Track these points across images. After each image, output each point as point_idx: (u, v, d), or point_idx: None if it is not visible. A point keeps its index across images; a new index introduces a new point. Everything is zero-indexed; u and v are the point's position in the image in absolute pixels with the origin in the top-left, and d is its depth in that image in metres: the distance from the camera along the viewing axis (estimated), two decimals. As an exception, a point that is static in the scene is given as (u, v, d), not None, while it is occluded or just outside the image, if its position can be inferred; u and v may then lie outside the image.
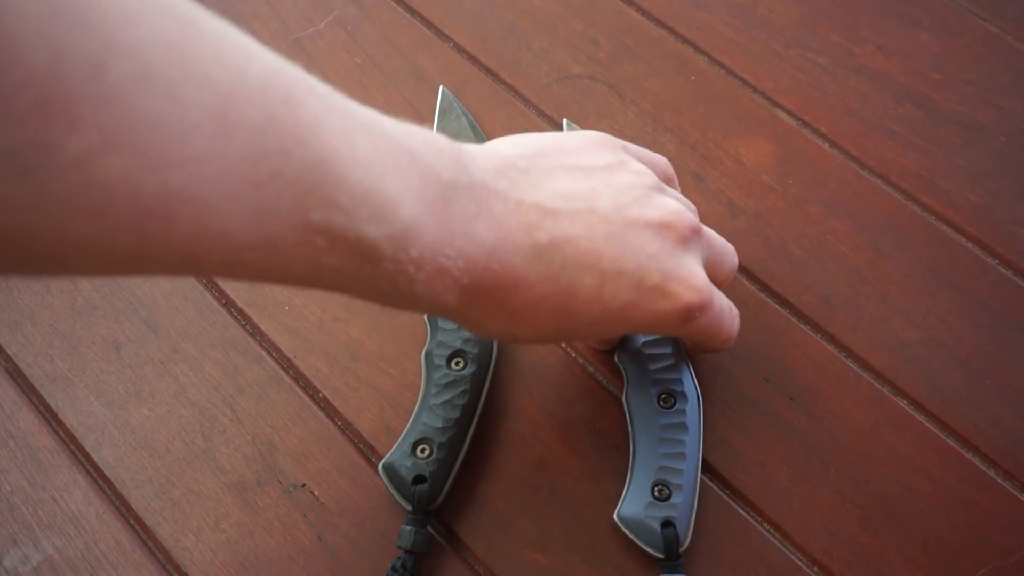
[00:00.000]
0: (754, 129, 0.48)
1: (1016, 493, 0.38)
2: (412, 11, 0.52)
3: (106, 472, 0.38)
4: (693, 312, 0.33)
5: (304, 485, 0.38)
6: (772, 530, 0.37)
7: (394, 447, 0.37)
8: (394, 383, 0.40)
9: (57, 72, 0.18)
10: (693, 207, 0.37)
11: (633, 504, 0.36)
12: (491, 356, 0.39)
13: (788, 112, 0.48)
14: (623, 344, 0.39)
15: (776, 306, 0.42)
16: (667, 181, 0.37)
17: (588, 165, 0.33)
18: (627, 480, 0.37)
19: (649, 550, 0.35)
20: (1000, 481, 0.38)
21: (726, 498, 0.38)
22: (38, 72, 0.18)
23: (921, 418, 0.39)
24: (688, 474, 0.36)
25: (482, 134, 0.47)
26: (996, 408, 0.40)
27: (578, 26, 0.51)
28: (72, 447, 0.39)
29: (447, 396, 0.37)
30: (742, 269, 0.43)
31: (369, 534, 0.37)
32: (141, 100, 0.19)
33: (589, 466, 0.38)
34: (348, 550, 0.37)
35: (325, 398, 0.40)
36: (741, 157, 0.47)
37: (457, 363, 0.38)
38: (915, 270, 0.43)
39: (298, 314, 0.42)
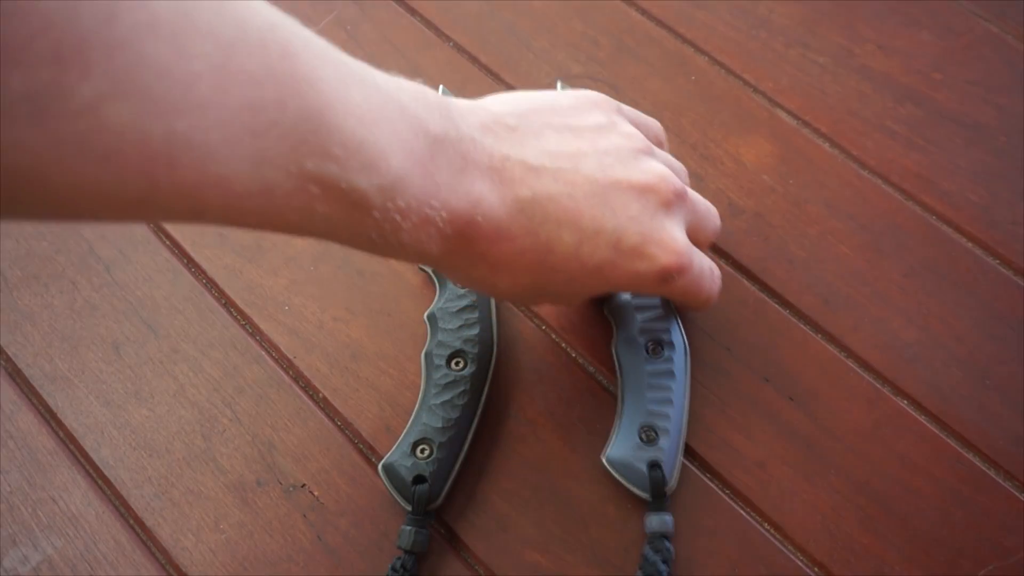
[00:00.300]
0: (754, 129, 0.48)
1: (1016, 493, 0.38)
2: (412, 11, 0.52)
3: (106, 472, 0.38)
4: (670, 274, 0.33)
5: (304, 485, 0.38)
6: (772, 530, 0.37)
7: (394, 447, 0.37)
8: (394, 383, 0.40)
9: (72, 19, 0.19)
10: (683, 169, 0.37)
11: (621, 447, 0.37)
12: (491, 356, 0.39)
13: (788, 112, 0.48)
14: (612, 295, 0.40)
15: (776, 306, 0.42)
16: (658, 144, 0.37)
17: (578, 125, 0.34)
18: (615, 424, 0.38)
19: (636, 491, 0.36)
20: (1000, 481, 0.38)
21: (726, 498, 0.38)
22: (54, 20, 0.18)
23: (921, 418, 0.39)
24: (675, 419, 0.38)
25: None
26: (996, 408, 0.40)
27: (578, 26, 0.51)
28: (72, 447, 0.39)
29: (447, 396, 0.37)
30: (742, 269, 0.43)
31: (369, 534, 0.37)
32: (149, 48, 0.20)
33: (589, 466, 0.38)
34: (348, 550, 0.37)
35: (325, 398, 0.40)
36: (741, 157, 0.47)
37: (457, 363, 0.38)
38: (915, 270, 0.43)
39: (298, 314, 0.42)
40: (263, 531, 0.37)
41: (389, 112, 0.27)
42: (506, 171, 0.31)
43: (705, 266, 0.36)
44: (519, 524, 0.37)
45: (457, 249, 0.30)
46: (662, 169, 0.34)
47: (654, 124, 0.39)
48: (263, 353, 0.41)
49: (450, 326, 0.39)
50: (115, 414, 0.40)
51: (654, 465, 0.36)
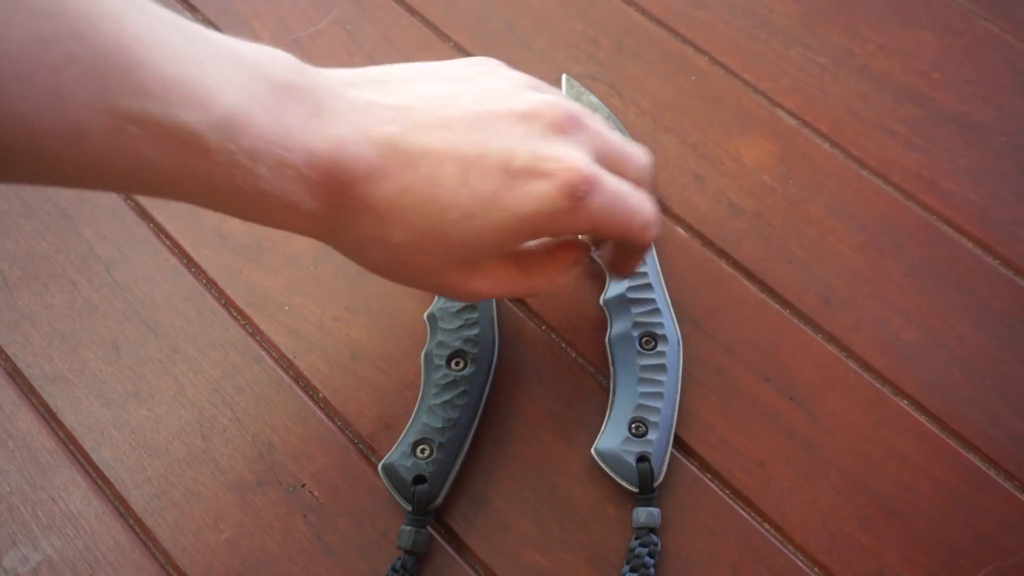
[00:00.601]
0: (754, 129, 0.48)
1: (1016, 493, 0.38)
2: (412, 11, 0.52)
3: (105, 472, 0.38)
4: (578, 189, 0.30)
5: (304, 485, 0.38)
6: (772, 530, 0.37)
7: (394, 447, 0.37)
8: (394, 383, 0.40)
9: None
10: (596, 117, 0.34)
11: (610, 439, 0.37)
12: (491, 357, 0.39)
13: (788, 112, 0.48)
14: (608, 289, 0.40)
15: (776, 306, 0.42)
16: (569, 119, 0.33)
17: (454, 75, 0.32)
18: (606, 417, 0.38)
19: (624, 484, 0.37)
20: (1000, 481, 0.38)
21: (726, 498, 0.38)
22: None
23: (921, 418, 0.39)
24: (665, 413, 0.38)
25: None
26: (996, 408, 0.40)
27: (578, 26, 0.51)
28: (71, 447, 0.39)
29: (447, 396, 0.37)
30: (742, 269, 0.43)
31: (369, 534, 0.37)
32: None
33: (589, 466, 0.38)
34: (348, 550, 0.37)
35: (325, 398, 0.40)
36: (741, 157, 0.47)
37: (457, 363, 0.38)
38: (915, 270, 0.43)
39: (298, 314, 0.42)
40: (263, 531, 0.37)
41: (218, 56, 0.26)
42: (371, 112, 0.29)
43: (625, 187, 0.32)
44: (519, 524, 0.37)
45: (334, 201, 0.28)
46: (549, 98, 0.32)
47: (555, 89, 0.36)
48: (263, 353, 0.41)
49: (450, 326, 0.39)
50: (115, 414, 0.40)
51: (642, 458, 0.37)
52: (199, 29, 0.27)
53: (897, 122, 0.48)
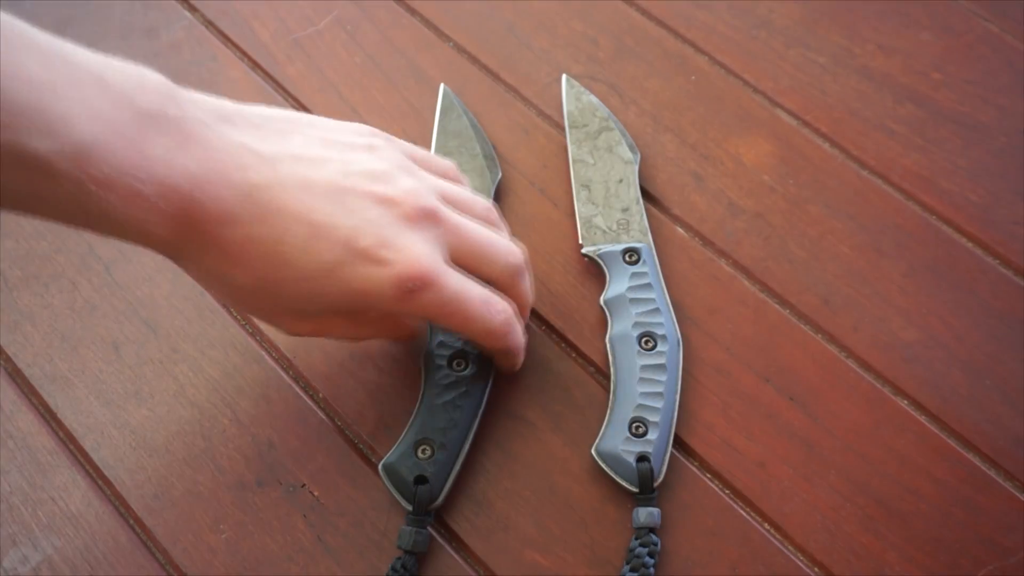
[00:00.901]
0: (754, 129, 0.48)
1: (1016, 493, 0.38)
2: (412, 11, 0.52)
3: (105, 472, 0.38)
4: (408, 284, 0.31)
5: (304, 485, 0.38)
6: (772, 530, 0.37)
7: (394, 447, 0.37)
8: (394, 383, 0.40)
9: None
10: (478, 203, 0.36)
11: (610, 439, 0.37)
12: (492, 357, 0.39)
13: (788, 112, 0.48)
14: (608, 289, 0.40)
15: (776, 306, 0.42)
16: (445, 195, 0.35)
17: (332, 139, 0.33)
18: (606, 417, 0.38)
19: (624, 484, 0.37)
20: (1000, 481, 0.38)
21: (726, 498, 0.38)
22: None
23: (921, 418, 0.39)
24: (665, 412, 0.38)
25: (483, 133, 0.47)
26: (996, 408, 0.40)
27: (578, 26, 0.51)
28: (71, 447, 0.39)
29: (448, 396, 0.37)
30: (742, 269, 0.43)
31: (369, 534, 0.37)
32: None
33: (589, 466, 0.38)
34: (348, 550, 0.37)
35: (325, 398, 0.40)
36: (741, 157, 0.47)
37: (458, 364, 0.38)
38: (915, 270, 0.43)
39: (298, 314, 0.42)
40: (263, 531, 0.37)
41: (80, 83, 0.26)
42: (238, 156, 0.30)
43: (472, 291, 0.33)
44: (519, 524, 0.37)
45: (185, 233, 0.29)
46: (412, 185, 0.33)
47: (445, 164, 0.38)
48: (263, 353, 0.41)
49: None
50: (115, 414, 0.40)
51: (642, 458, 0.37)
52: (67, 51, 0.27)
53: (897, 122, 0.48)
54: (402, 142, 0.36)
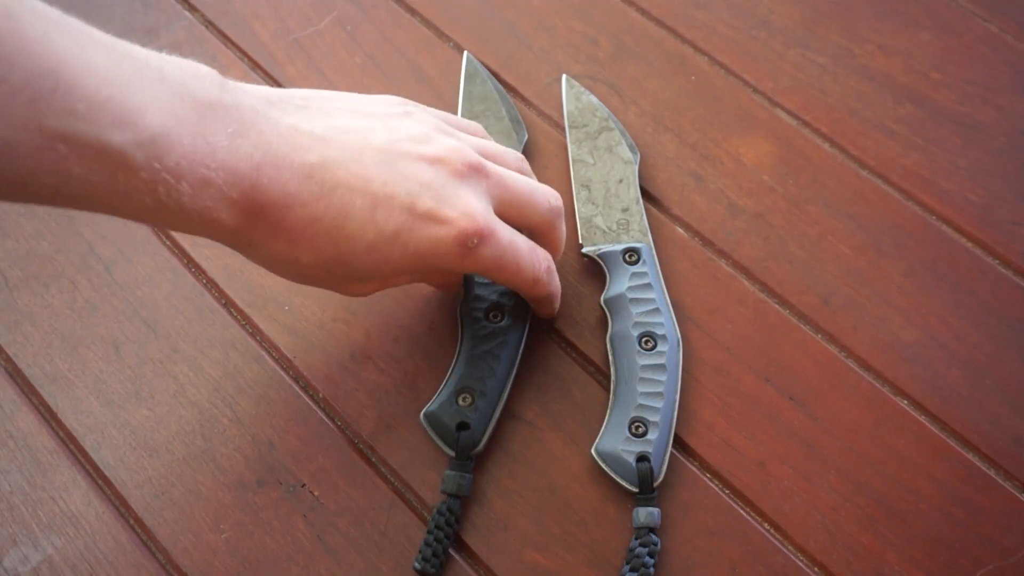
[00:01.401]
0: (754, 129, 0.48)
1: (1016, 493, 0.38)
2: (412, 11, 0.52)
3: (106, 472, 0.38)
4: (469, 239, 0.33)
5: (304, 485, 0.38)
6: (772, 530, 0.37)
7: (435, 397, 0.38)
8: (394, 383, 0.40)
9: None
10: (512, 154, 0.38)
11: (610, 439, 0.37)
12: (527, 309, 0.40)
13: (788, 112, 0.48)
14: (609, 289, 0.41)
15: (776, 306, 0.42)
16: (481, 151, 0.37)
17: (371, 111, 0.34)
18: (606, 417, 0.38)
19: (624, 484, 0.37)
20: (1000, 481, 0.38)
21: (726, 498, 0.38)
22: None
23: (921, 418, 0.39)
24: (665, 412, 0.38)
25: (507, 97, 0.48)
26: (996, 408, 0.40)
27: (578, 26, 0.51)
28: (72, 447, 0.39)
29: (487, 347, 0.39)
30: (742, 269, 0.43)
31: (369, 534, 0.37)
32: None
33: (589, 466, 0.38)
34: (348, 550, 0.37)
35: (325, 398, 0.40)
36: (741, 157, 0.47)
37: (495, 316, 0.40)
38: (915, 270, 0.43)
39: (298, 314, 0.42)
40: (263, 531, 0.37)
41: (143, 75, 0.27)
42: (292, 139, 0.31)
43: (520, 242, 0.35)
44: (519, 524, 0.37)
45: (251, 219, 0.30)
46: (454, 143, 0.34)
47: (474, 125, 0.39)
48: (263, 353, 0.41)
49: (486, 280, 0.40)
50: (115, 414, 0.40)
51: (642, 458, 0.37)
52: (127, 47, 0.27)
53: (897, 122, 0.48)
54: (431, 109, 0.37)
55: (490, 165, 0.35)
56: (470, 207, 0.33)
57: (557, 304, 0.40)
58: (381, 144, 0.33)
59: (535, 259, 0.36)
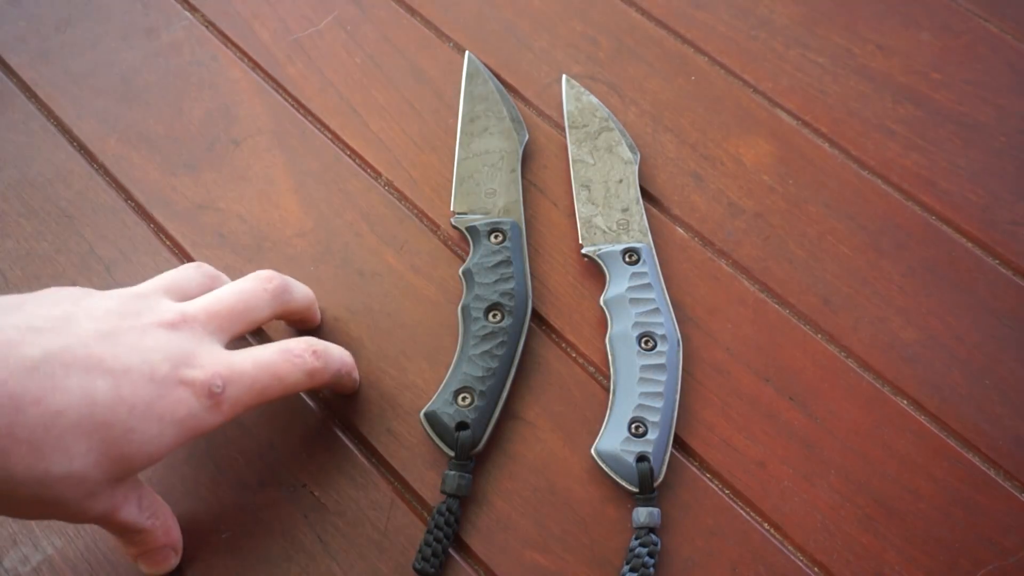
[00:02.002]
0: (754, 129, 0.48)
1: (1016, 493, 0.38)
2: (412, 11, 0.52)
3: (106, 472, 0.38)
4: (213, 385, 0.32)
5: (304, 485, 0.38)
6: (772, 530, 0.37)
7: (435, 396, 0.38)
8: (394, 383, 0.40)
9: None
10: (194, 273, 0.36)
11: (610, 440, 0.37)
12: (526, 309, 0.41)
13: (788, 112, 0.48)
14: (608, 289, 0.41)
15: (776, 306, 0.42)
16: (212, 279, 0.36)
17: (47, 300, 0.31)
18: (606, 417, 0.38)
19: (624, 484, 0.37)
20: (1000, 481, 0.38)
21: (726, 498, 0.38)
22: None
23: (921, 418, 0.40)
24: (664, 412, 0.38)
25: (508, 97, 0.48)
26: (996, 408, 0.40)
27: (578, 26, 0.51)
28: (72, 447, 0.39)
29: (486, 347, 0.39)
30: (742, 269, 0.43)
31: (369, 534, 0.37)
32: None
33: (589, 466, 0.38)
34: (348, 550, 0.37)
35: (325, 398, 0.40)
36: (741, 157, 0.47)
37: (494, 316, 0.40)
38: (915, 270, 0.43)
39: (298, 314, 0.42)
40: (263, 531, 0.37)
41: None
42: (1, 335, 0.28)
43: (267, 355, 0.34)
44: (519, 524, 0.37)
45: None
46: (148, 304, 0.33)
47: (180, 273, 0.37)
48: (263, 353, 0.41)
49: (486, 280, 0.40)
50: (115, 414, 0.40)
51: (642, 458, 0.37)
52: None
53: (896, 122, 0.48)
54: (122, 289, 0.35)
55: (189, 307, 0.34)
56: (198, 357, 0.32)
57: (356, 375, 0.39)
58: (94, 324, 0.30)
59: (293, 357, 0.35)
